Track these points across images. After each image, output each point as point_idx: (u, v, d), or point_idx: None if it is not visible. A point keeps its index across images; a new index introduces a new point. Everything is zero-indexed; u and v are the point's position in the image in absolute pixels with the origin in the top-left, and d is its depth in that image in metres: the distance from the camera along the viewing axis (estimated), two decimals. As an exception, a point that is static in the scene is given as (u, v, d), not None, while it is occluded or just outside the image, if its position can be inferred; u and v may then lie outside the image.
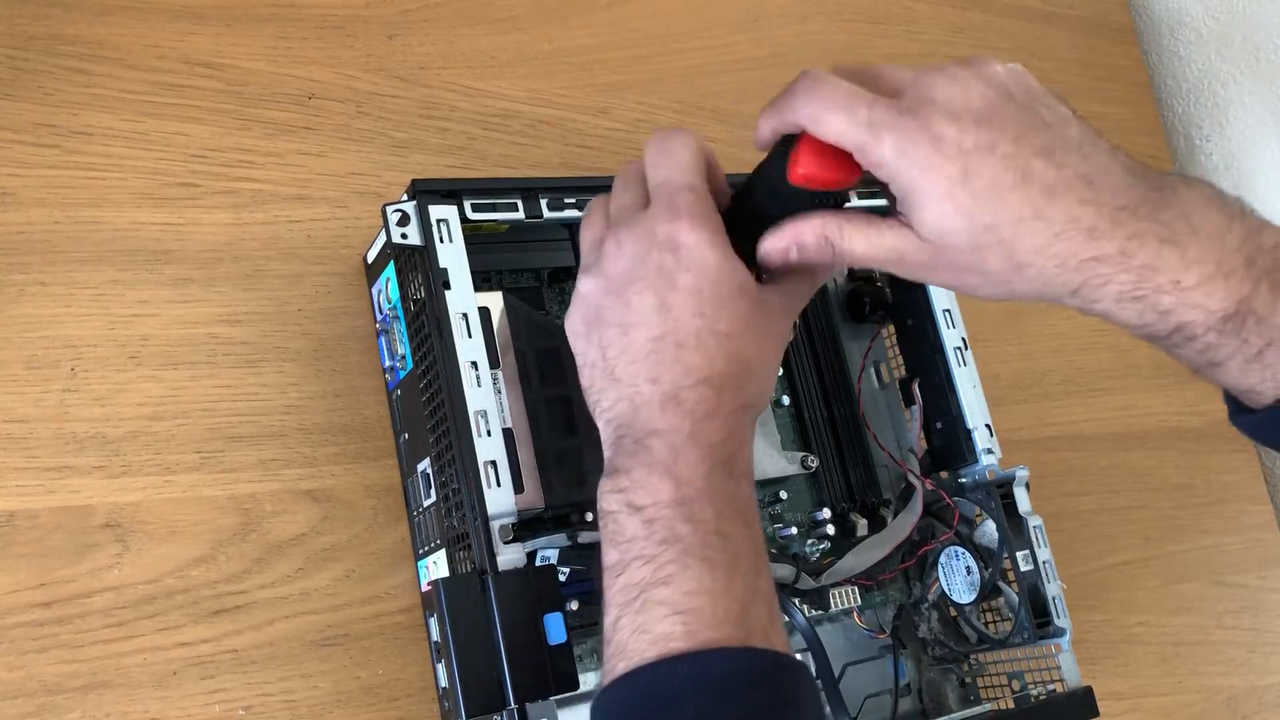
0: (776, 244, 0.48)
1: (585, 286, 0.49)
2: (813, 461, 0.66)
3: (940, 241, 0.44)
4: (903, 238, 0.45)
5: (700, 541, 0.44)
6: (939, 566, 0.66)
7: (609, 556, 0.46)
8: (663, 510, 0.45)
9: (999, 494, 0.64)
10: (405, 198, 0.55)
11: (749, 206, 0.50)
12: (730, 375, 0.47)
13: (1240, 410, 0.46)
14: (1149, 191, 0.43)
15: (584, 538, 0.55)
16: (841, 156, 0.46)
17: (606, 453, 0.48)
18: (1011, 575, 0.63)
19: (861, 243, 0.47)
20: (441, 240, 0.54)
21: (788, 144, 0.47)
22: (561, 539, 0.55)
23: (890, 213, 0.46)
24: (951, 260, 0.44)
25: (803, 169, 0.46)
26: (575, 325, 0.50)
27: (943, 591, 0.66)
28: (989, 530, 0.64)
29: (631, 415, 0.47)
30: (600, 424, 0.49)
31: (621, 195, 0.51)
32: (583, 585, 0.59)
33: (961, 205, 0.42)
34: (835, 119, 0.44)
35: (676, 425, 0.46)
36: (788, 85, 0.46)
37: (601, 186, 0.59)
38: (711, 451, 0.46)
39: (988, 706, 0.66)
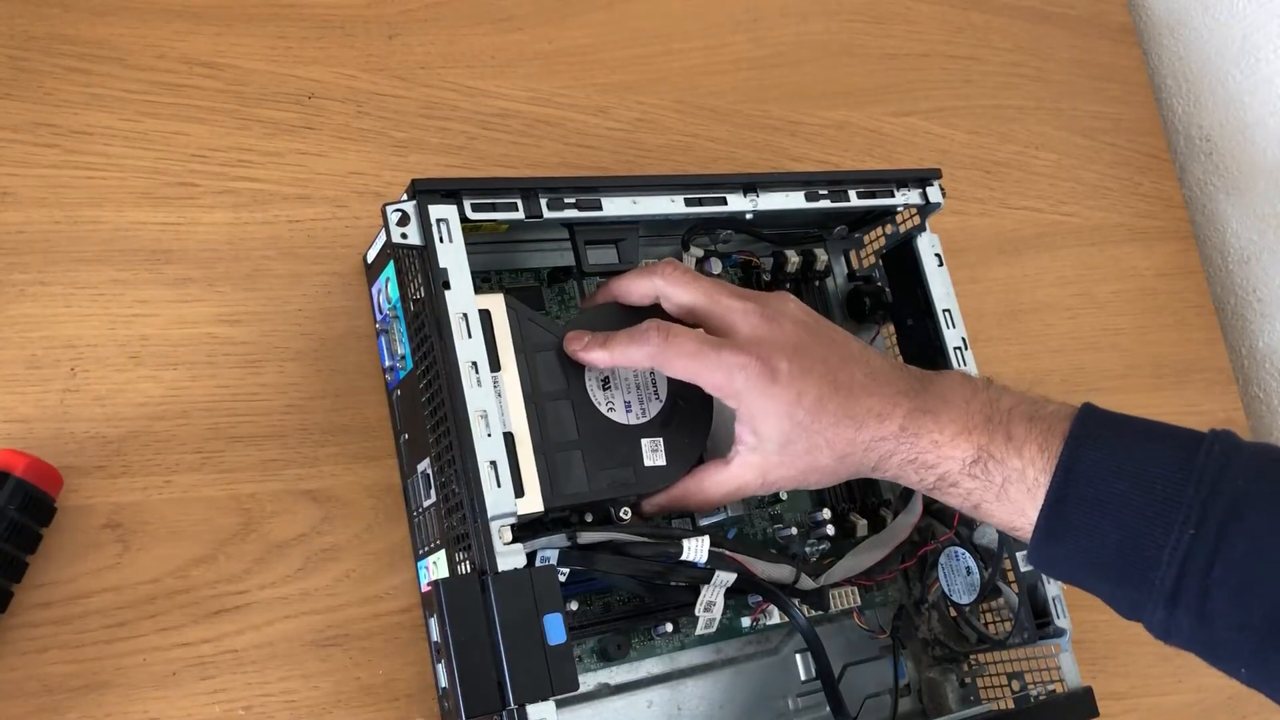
0: (660, 500, 0.58)
1: None
2: (813, 462, 0.65)
3: (782, 451, 0.55)
4: (748, 464, 0.56)
5: None
6: (939, 567, 0.66)
7: None
8: None
9: (999, 494, 0.64)
10: (405, 197, 0.55)
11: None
12: None
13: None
14: (913, 381, 0.55)
15: (584, 538, 0.55)
16: None
17: None
18: (1011, 576, 0.63)
19: (721, 485, 0.57)
20: (441, 240, 0.54)
21: None
22: (561, 539, 0.55)
23: (727, 454, 0.57)
24: (792, 463, 0.55)
25: None
26: None
27: (943, 592, 0.66)
28: (989, 530, 0.64)
29: None
30: None
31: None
32: (583, 585, 0.59)
33: (798, 419, 0.54)
34: (690, 364, 0.54)
35: None
36: (631, 330, 0.56)
37: (601, 186, 0.59)
38: None
39: (988, 706, 0.66)
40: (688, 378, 0.55)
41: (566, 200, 0.58)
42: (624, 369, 0.58)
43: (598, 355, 0.56)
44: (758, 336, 0.55)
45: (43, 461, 0.51)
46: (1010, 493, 0.52)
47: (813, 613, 0.63)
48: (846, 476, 0.56)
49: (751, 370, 0.54)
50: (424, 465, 0.57)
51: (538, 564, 0.53)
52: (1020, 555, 0.63)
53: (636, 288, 0.58)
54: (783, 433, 0.54)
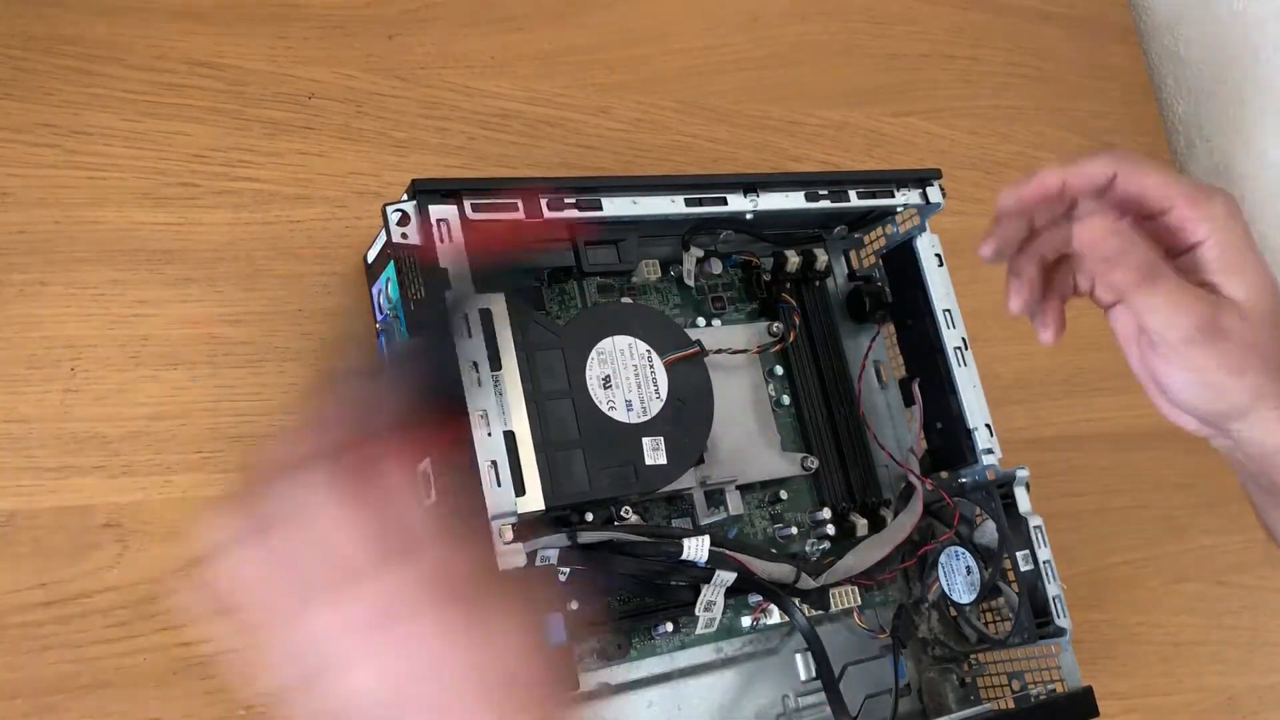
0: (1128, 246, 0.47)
1: None
2: (812, 463, 0.65)
3: (1254, 305, 0.47)
4: (1217, 302, 0.47)
5: None
6: (939, 566, 0.66)
7: None
8: None
9: (999, 494, 0.64)
10: (405, 197, 0.55)
11: None
12: None
13: None
14: None
15: (584, 538, 0.55)
16: None
17: None
18: (1011, 575, 0.63)
19: (1186, 296, 0.47)
20: (441, 240, 0.54)
21: None
22: (561, 539, 0.55)
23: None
24: (1241, 336, 0.47)
25: None
26: None
27: (943, 591, 0.66)
28: (989, 530, 0.64)
29: None
30: None
31: None
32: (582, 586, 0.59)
33: (1272, 280, 0.47)
34: (1160, 175, 0.48)
35: None
36: (1084, 153, 0.49)
37: (601, 186, 0.59)
38: None
39: (988, 706, 0.66)
40: (1154, 188, 0.48)
41: (566, 200, 0.58)
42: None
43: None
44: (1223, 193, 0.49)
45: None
46: None
47: (813, 612, 0.63)
48: (1248, 399, 0.48)
49: (1229, 204, 0.48)
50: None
51: (538, 564, 0.53)
52: (1021, 555, 0.62)
53: (1088, 169, 0.49)
54: (1261, 285, 0.47)
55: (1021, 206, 0.49)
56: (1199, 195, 0.47)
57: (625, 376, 0.59)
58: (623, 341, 0.60)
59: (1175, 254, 0.49)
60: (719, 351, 0.64)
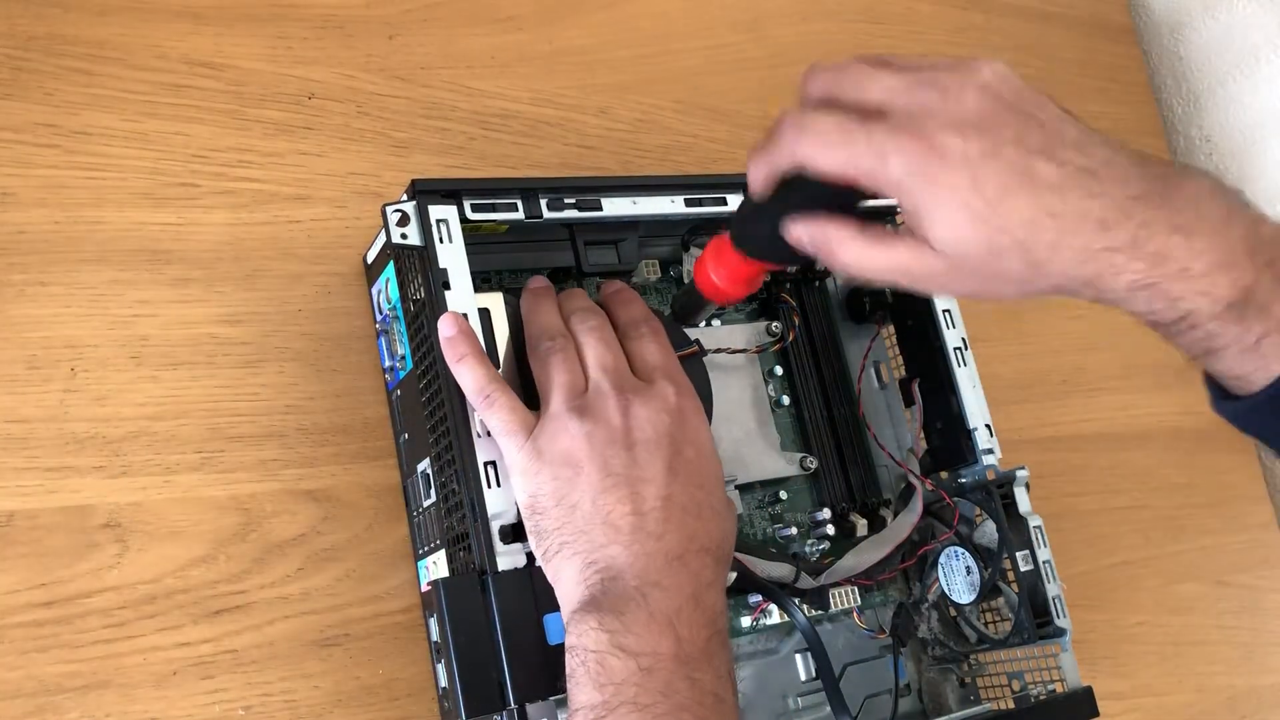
0: (801, 233, 0.48)
1: (577, 429, 0.51)
2: (811, 463, 0.65)
3: (957, 251, 0.44)
4: (918, 252, 0.45)
5: (697, 700, 0.46)
6: (939, 566, 0.66)
7: (587, 695, 0.46)
8: (663, 662, 0.46)
9: (999, 494, 0.64)
10: (405, 198, 0.55)
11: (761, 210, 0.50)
12: (724, 550, 0.52)
13: (1225, 397, 0.47)
14: (1154, 182, 0.43)
15: (584, 538, 0.55)
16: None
17: (580, 590, 0.49)
18: (1011, 575, 0.63)
19: (876, 258, 0.47)
20: (441, 240, 0.54)
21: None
22: (561, 539, 0.55)
23: (902, 226, 0.46)
24: (972, 268, 0.45)
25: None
26: (555, 465, 0.50)
27: (943, 591, 0.66)
28: (989, 530, 0.64)
29: (627, 561, 0.49)
30: (568, 563, 0.50)
31: (605, 356, 0.53)
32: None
33: (975, 212, 0.43)
34: (834, 154, 0.44)
35: (681, 584, 0.49)
36: (771, 129, 0.47)
37: (601, 187, 0.59)
38: (714, 619, 0.49)
39: (988, 706, 0.66)
40: (835, 172, 0.45)
41: (566, 200, 0.58)
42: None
43: (757, 162, 0.47)
44: (924, 111, 0.44)
45: None
46: (1264, 346, 0.44)
47: (813, 612, 0.63)
48: (1050, 291, 0.45)
49: (909, 152, 0.43)
50: (424, 465, 0.57)
51: (537, 564, 0.53)
52: (1021, 555, 0.63)
53: (782, 163, 0.47)
54: (955, 230, 0.43)
55: (763, 193, 0.49)
56: (875, 168, 0.44)
57: (625, 376, 0.59)
58: (622, 341, 0.60)
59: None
60: (718, 351, 0.64)
